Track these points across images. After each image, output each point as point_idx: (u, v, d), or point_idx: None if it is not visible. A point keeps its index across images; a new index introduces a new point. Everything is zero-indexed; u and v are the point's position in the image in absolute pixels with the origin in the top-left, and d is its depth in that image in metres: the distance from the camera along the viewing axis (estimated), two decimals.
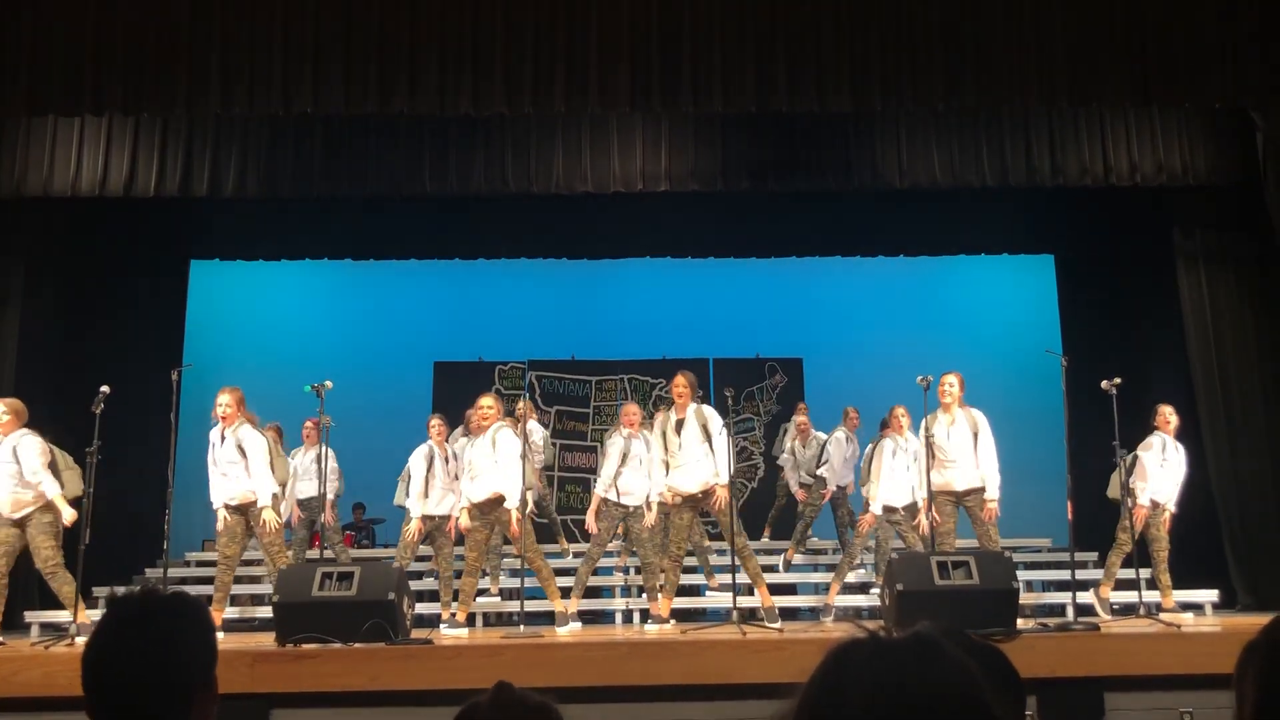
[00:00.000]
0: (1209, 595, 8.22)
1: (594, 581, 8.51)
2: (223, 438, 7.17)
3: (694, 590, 9.28)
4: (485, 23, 7.40)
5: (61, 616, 7.34)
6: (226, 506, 7.14)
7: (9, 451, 6.80)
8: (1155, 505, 7.73)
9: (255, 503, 7.15)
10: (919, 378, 7.37)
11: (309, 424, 8.94)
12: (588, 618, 8.14)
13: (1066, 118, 8.82)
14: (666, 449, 7.27)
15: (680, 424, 7.25)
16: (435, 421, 8.11)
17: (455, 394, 11.53)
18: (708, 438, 7.16)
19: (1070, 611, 7.02)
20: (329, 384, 7.21)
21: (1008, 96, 7.62)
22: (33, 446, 6.85)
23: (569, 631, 7.10)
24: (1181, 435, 8.05)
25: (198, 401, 7.96)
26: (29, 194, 8.50)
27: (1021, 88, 7.51)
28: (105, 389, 6.84)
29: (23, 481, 6.79)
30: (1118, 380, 7.23)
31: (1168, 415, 7.89)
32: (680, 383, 7.29)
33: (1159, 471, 7.75)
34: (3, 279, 8.81)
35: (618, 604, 8.47)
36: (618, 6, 7.41)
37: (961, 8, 7.49)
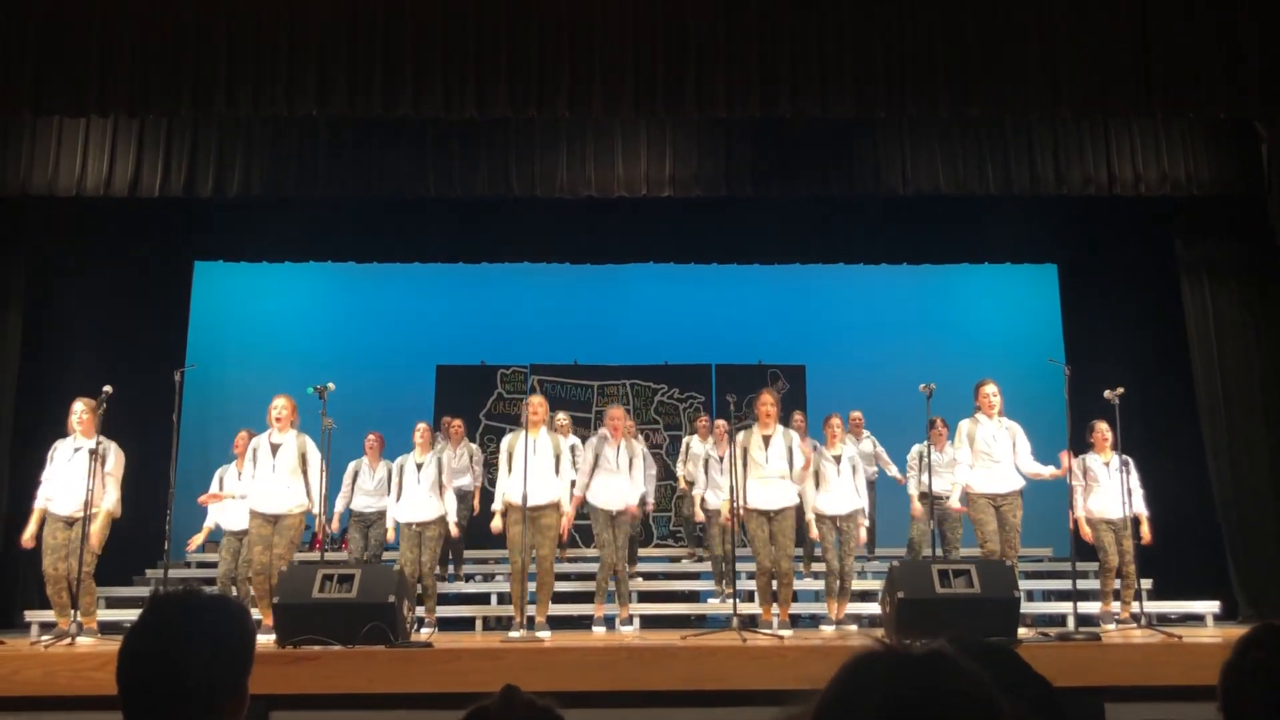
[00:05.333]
0: (1210, 606, 8.20)
1: (584, 586, 8.48)
2: (273, 446, 7.20)
3: (693, 596, 9.26)
4: (490, 26, 7.41)
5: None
6: (261, 516, 7.08)
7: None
8: (1106, 521, 7.71)
9: (299, 514, 7.15)
10: (921, 385, 7.38)
11: (371, 437, 8.92)
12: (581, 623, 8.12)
13: (1070, 127, 8.82)
14: (746, 463, 7.28)
15: (768, 439, 7.35)
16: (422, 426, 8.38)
17: (457, 398, 11.56)
18: (791, 459, 7.31)
19: (1071, 621, 7.00)
20: (331, 386, 7.20)
21: (1011, 105, 7.61)
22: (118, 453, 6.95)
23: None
24: (1183, 446, 8.04)
25: (200, 402, 7.96)
26: (34, 193, 8.51)
27: (1025, 97, 7.50)
28: (108, 389, 6.85)
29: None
30: (1120, 390, 7.23)
31: (1104, 432, 7.85)
32: (769, 400, 7.43)
33: (1095, 489, 7.74)
34: (6, 279, 8.82)
35: (612, 609, 8.43)
36: (622, 12, 7.42)
37: (965, 17, 7.50)
